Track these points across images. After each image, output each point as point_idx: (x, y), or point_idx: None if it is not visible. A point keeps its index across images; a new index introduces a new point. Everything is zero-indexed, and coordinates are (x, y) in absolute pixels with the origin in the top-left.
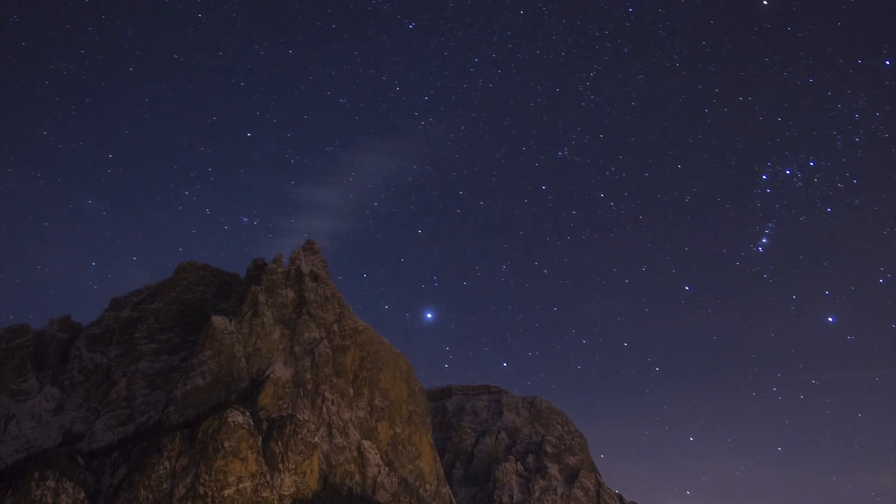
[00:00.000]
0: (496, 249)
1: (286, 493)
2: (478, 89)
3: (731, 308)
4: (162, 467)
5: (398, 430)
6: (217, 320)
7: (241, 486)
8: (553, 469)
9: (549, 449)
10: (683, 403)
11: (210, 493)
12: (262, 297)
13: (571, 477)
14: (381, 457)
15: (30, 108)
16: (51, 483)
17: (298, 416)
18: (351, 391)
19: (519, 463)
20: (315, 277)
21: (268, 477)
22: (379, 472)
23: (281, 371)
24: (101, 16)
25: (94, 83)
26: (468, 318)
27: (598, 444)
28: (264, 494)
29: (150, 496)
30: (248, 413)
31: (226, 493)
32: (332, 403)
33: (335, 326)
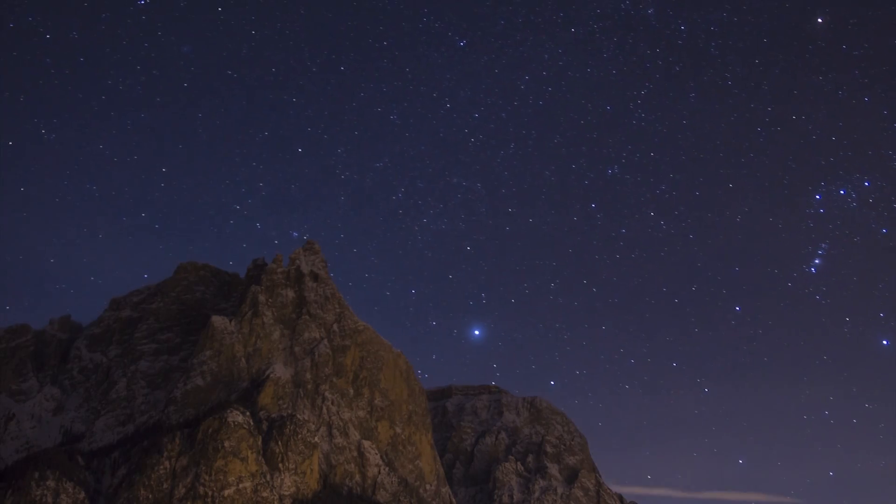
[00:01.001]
0: (545, 267)
1: (286, 493)
2: (528, 107)
3: (783, 329)
4: (162, 467)
5: (398, 430)
6: (217, 320)
7: (241, 486)
8: (553, 469)
9: (549, 449)
10: (733, 425)
11: (210, 493)
12: (262, 297)
13: (571, 477)
14: (381, 457)
15: (87, 123)
16: (51, 483)
17: (298, 416)
18: (351, 391)
19: (519, 463)
20: (315, 277)
21: (268, 477)
22: (379, 472)
23: (281, 371)
24: (158, 32)
25: (149, 98)
26: (516, 335)
27: (645, 465)
28: (264, 494)
29: (150, 496)
30: (248, 413)
31: (226, 493)
32: (332, 403)
33: (335, 326)
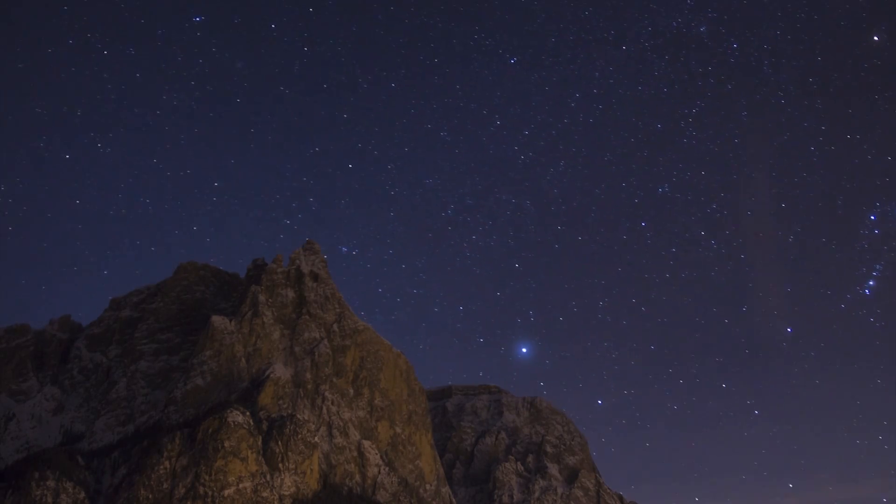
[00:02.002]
0: (593, 285)
1: (286, 493)
2: (578, 124)
3: (836, 352)
4: (162, 467)
5: (398, 430)
6: (217, 320)
7: (241, 486)
8: (553, 469)
9: (549, 449)
10: (783, 448)
11: (210, 493)
12: (262, 297)
13: (571, 477)
14: (381, 457)
15: (141, 137)
16: (51, 483)
17: (298, 416)
18: (351, 391)
19: (519, 463)
20: (315, 277)
21: (268, 477)
22: (379, 472)
23: (281, 371)
24: (212, 49)
25: (202, 113)
26: (563, 353)
27: (693, 487)
28: (264, 494)
29: (150, 496)
30: (248, 413)
31: (226, 493)
32: (332, 403)
33: (335, 326)
